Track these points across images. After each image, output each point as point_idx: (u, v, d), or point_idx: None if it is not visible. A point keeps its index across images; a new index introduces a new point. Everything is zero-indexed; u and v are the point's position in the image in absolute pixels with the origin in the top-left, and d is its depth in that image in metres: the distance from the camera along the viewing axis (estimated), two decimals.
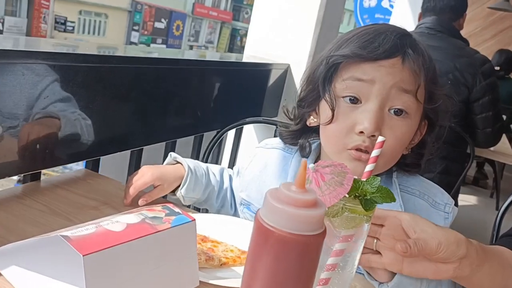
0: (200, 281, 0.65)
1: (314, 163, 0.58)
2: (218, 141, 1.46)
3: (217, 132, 1.61)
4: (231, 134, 1.81)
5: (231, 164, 1.81)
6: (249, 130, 1.87)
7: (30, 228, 0.74)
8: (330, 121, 0.76)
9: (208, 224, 0.82)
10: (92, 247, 0.51)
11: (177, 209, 0.64)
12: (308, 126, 0.85)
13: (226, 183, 1.01)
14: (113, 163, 1.28)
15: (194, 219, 0.63)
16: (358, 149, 0.74)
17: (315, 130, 0.85)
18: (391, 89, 0.74)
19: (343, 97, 0.76)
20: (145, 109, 1.16)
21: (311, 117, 0.83)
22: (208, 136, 1.54)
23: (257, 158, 0.94)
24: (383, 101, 0.74)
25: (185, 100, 1.32)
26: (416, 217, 0.71)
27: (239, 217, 1.03)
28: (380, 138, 0.62)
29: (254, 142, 1.88)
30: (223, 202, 1.01)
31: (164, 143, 1.36)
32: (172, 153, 0.98)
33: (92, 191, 0.92)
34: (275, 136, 1.36)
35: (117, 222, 0.57)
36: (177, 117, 1.33)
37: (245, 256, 0.74)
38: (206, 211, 1.07)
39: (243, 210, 0.94)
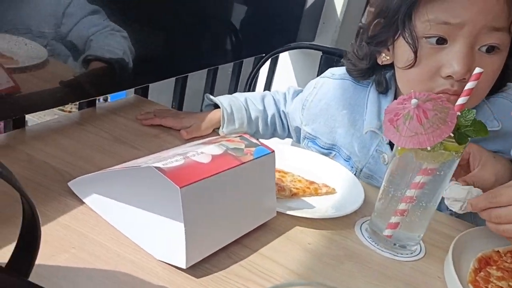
0: (276, 212, 0.65)
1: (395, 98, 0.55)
2: (260, 67, 1.42)
3: (255, 59, 1.57)
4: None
5: None
6: (285, 58, 1.81)
7: (98, 155, 0.73)
8: (412, 65, 0.70)
9: None
10: (187, 178, 0.49)
11: (254, 140, 0.62)
12: (378, 64, 0.79)
13: (272, 109, 0.98)
14: (159, 90, 1.26)
15: (273, 151, 0.61)
16: (445, 93, 0.68)
17: (387, 66, 0.80)
18: (482, 29, 0.66)
19: (426, 37, 0.69)
20: (189, 34, 1.11)
21: (383, 54, 0.77)
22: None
23: (324, 90, 0.90)
24: (473, 40, 0.67)
25: (223, 24, 1.26)
26: (481, 150, 0.69)
27: (292, 139, 1.02)
28: (477, 70, 0.58)
29: (290, 71, 1.83)
30: (273, 128, 0.99)
31: (206, 70, 1.32)
32: (207, 94, 0.95)
33: None
34: (320, 64, 1.31)
35: (202, 154, 0.55)
36: (218, 43, 1.28)
37: (314, 186, 0.74)
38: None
39: (308, 144, 0.91)
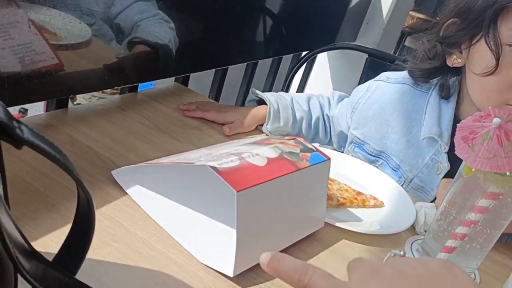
0: (324, 222, 0.61)
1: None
2: (302, 64, 1.38)
3: (293, 57, 1.53)
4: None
5: None
6: (323, 58, 1.76)
7: (140, 144, 0.70)
8: (492, 72, 0.66)
9: None
10: (244, 182, 0.46)
11: (309, 145, 0.59)
12: (447, 65, 0.75)
13: (317, 112, 0.94)
14: (197, 80, 1.23)
15: (329, 158, 0.58)
16: None
17: (454, 69, 0.75)
18: None
19: (509, 45, 0.65)
20: (229, 26, 1.07)
21: (454, 56, 0.73)
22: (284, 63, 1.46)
23: (378, 93, 0.85)
24: None
25: (266, 18, 1.22)
26: None
27: (332, 145, 0.98)
28: None
29: (326, 73, 1.78)
30: (316, 132, 0.95)
31: (245, 64, 1.29)
32: (252, 89, 0.91)
33: None
34: (365, 66, 1.26)
35: (258, 156, 0.52)
36: (259, 37, 1.24)
37: (361, 198, 0.70)
38: None
39: (354, 149, 0.87)
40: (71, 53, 0.75)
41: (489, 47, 0.66)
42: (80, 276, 0.44)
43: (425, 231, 0.67)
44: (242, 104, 1.36)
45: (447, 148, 0.76)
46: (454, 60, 0.73)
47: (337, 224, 0.61)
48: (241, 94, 1.35)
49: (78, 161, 0.61)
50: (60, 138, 0.66)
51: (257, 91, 0.90)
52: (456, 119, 0.76)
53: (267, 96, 0.87)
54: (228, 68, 1.17)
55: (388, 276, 0.33)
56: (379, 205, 0.71)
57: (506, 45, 0.65)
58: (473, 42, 0.69)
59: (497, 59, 0.65)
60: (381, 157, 0.84)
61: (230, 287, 0.48)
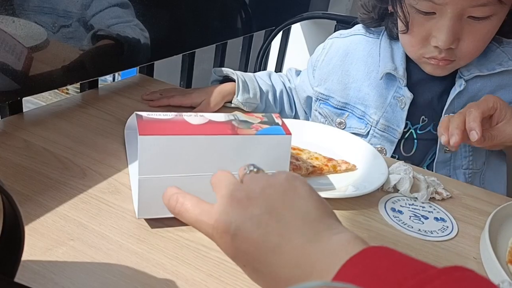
0: None
1: None
2: (271, 40, 1.35)
3: (265, 32, 1.50)
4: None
5: (278, 69, 1.70)
6: (297, 30, 1.73)
7: (100, 139, 0.69)
8: (405, 32, 0.74)
9: None
10: (154, 130, 0.48)
11: (279, 120, 0.56)
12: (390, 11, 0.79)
13: (280, 85, 0.95)
14: (165, 68, 1.20)
15: (290, 134, 0.55)
16: (434, 59, 0.74)
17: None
18: (466, 7, 0.68)
19: (416, 8, 0.70)
20: (194, 9, 1.04)
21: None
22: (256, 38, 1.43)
23: (334, 48, 0.88)
24: (460, 13, 0.69)
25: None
26: (507, 106, 0.67)
27: (299, 118, 0.97)
28: None
29: (302, 44, 1.75)
30: (282, 104, 0.95)
31: (214, 46, 1.26)
32: (214, 68, 0.91)
33: None
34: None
35: (201, 117, 0.52)
36: (225, 16, 1.21)
37: (332, 163, 0.69)
38: None
39: (320, 106, 0.89)
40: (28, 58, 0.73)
41: (396, 14, 0.73)
42: (31, 279, 0.43)
43: (398, 190, 0.66)
44: None
45: (405, 81, 0.80)
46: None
47: None
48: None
49: (32, 164, 0.60)
50: (14, 144, 0.64)
51: (222, 68, 0.88)
52: (408, 55, 0.81)
53: (231, 71, 0.87)
54: (195, 52, 1.15)
55: (241, 201, 0.35)
56: (351, 168, 0.69)
57: (412, 7, 0.71)
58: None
59: (406, 23, 0.73)
60: (346, 109, 0.87)
61: (195, 270, 0.47)
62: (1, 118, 0.72)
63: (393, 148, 0.83)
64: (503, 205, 0.60)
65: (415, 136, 0.82)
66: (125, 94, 0.86)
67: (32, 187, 0.55)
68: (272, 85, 0.93)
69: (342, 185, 0.65)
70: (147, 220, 0.52)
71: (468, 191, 0.69)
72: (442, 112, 0.79)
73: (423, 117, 0.82)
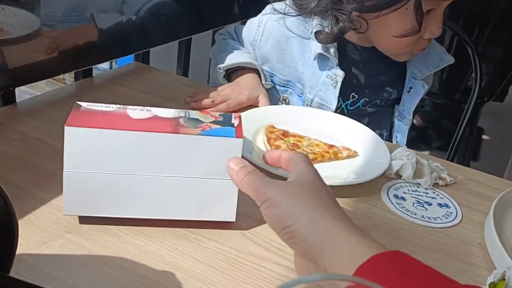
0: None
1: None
2: None
3: None
4: None
5: None
6: None
7: None
8: (417, 32, 0.75)
9: (281, 116, 0.74)
10: (85, 122, 0.45)
11: (236, 121, 0.50)
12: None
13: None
14: (161, 55, 1.19)
15: (242, 137, 0.47)
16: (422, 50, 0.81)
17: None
18: None
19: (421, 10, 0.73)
20: None
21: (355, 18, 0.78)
22: None
23: (269, 26, 0.87)
24: None
25: None
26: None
27: None
28: None
29: None
30: None
31: (211, 31, 1.24)
32: (220, 66, 0.86)
33: (149, 86, 0.84)
34: None
35: (147, 111, 0.49)
36: (221, 3, 1.19)
37: (333, 150, 0.68)
38: None
39: (271, 81, 0.90)
40: (20, 47, 0.72)
41: (416, 16, 0.73)
42: (28, 273, 0.42)
43: (401, 176, 0.64)
44: None
45: (337, 61, 0.83)
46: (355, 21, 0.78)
47: None
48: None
49: (27, 155, 0.58)
50: (9, 135, 0.63)
51: (226, 64, 0.85)
52: None
53: (246, 61, 0.86)
54: (191, 39, 1.13)
55: None
56: (352, 155, 0.68)
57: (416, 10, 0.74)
58: (395, 8, 0.73)
59: (420, 24, 0.74)
60: (289, 86, 0.89)
61: (194, 261, 0.46)
62: None
63: None
64: (507, 190, 0.59)
65: (345, 111, 0.88)
66: (121, 82, 0.84)
67: (27, 178, 0.54)
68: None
69: (343, 172, 0.64)
70: None
71: (472, 176, 0.68)
72: (373, 90, 0.88)
73: (353, 93, 0.87)
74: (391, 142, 0.90)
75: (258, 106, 0.80)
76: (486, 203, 0.60)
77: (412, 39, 0.77)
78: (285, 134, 0.69)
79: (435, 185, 0.64)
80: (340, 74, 0.82)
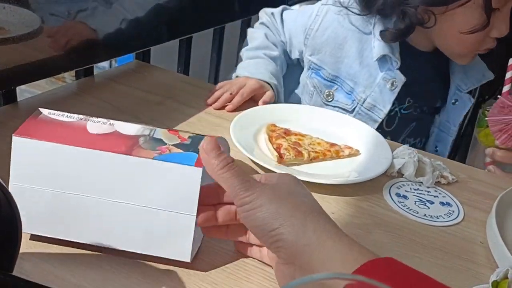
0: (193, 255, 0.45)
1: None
2: None
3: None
4: None
5: None
6: None
7: None
8: (479, 30, 0.73)
9: (282, 114, 0.74)
10: (35, 133, 0.42)
11: (202, 145, 0.42)
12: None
13: (280, 45, 0.93)
14: (162, 53, 1.18)
15: (202, 167, 0.41)
16: (488, 49, 0.79)
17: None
18: None
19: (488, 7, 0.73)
20: None
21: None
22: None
23: (329, 18, 0.86)
24: None
25: None
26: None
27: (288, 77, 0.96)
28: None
29: None
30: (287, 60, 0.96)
31: (212, 30, 1.24)
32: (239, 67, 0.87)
33: (150, 84, 0.84)
34: None
35: (110, 125, 0.45)
36: (222, 1, 1.18)
37: (335, 149, 0.67)
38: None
39: (311, 75, 0.88)
40: (22, 45, 0.71)
41: (485, 10, 0.72)
42: (31, 272, 0.41)
43: (403, 175, 0.64)
44: (216, 73, 1.32)
45: (399, 64, 0.82)
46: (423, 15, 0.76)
47: (307, 179, 0.58)
48: (213, 64, 1.31)
49: None
50: (9, 134, 0.62)
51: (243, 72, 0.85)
52: (403, 40, 0.83)
53: (263, 79, 0.83)
54: (192, 37, 1.13)
55: None
56: (354, 153, 0.68)
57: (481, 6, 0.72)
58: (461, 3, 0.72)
59: (489, 17, 0.72)
60: (336, 82, 0.87)
61: (195, 262, 0.46)
62: None
63: (376, 126, 0.84)
64: (509, 189, 0.59)
65: (398, 114, 0.87)
66: (121, 81, 0.84)
67: None
68: (279, 54, 0.91)
69: (345, 171, 0.64)
70: None
71: (474, 175, 0.68)
72: (428, 97, 0.88)
73: (408, 98, 0.86)
74: (424, 150, 0.88)
75: (258, 104, 0.80)
76: (488, 202, 0.60)
77: (479, 37, 0.75)
78: (287, 132, 0.69)
79: (437, 183, 0.64)
80: (401, 78, 0.81)
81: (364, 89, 0.84)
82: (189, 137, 0.45)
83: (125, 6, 0.85)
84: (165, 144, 0.43)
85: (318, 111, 0.79)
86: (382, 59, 0.82)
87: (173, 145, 0.43)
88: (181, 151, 0.43)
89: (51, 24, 0.73)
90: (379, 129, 0.86)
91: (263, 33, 0.93)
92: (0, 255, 0.34)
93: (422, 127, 0.91)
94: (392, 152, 0.67)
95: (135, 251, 0.44)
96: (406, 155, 0.65)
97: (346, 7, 0.84)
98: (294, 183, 0.42)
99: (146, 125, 0.46)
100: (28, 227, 0.41)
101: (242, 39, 1.41)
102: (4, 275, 0.33)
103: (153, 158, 0.41)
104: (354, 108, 0.85)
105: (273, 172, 0.58)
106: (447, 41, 0.80)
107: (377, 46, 0.81)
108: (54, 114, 0.45)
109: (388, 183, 0.63)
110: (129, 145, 0.42)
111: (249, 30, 1.00)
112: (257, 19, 1.42)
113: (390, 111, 0.84)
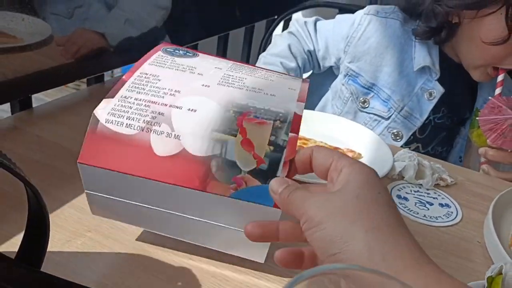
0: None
1: None
2: (272, 31, 1.36)
3: (267, 22, 1.50)
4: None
5: None
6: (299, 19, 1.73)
7: None
8: (502, 43, 0.74)
9: None
10: (98, 157, 0.40)
11: (284, 170, 0.39)
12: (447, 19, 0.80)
13: (302, 56, 0.97)
14: None
15: (280, 209, 0.39)
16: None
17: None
18: None
19: None
20: (195, 0, 1.05)
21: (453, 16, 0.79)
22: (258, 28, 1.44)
23: (372, 27, 0.88)
24: None
25: None
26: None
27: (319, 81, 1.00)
28: None
29: None
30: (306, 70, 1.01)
31: (217, 37, 1.27)
32: None
33: None
34: None
35: (175, 139, 0.40)
36: (225, 9, 1.21)
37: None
38: None
39: (348, 82, 0.91)
40: (35, 54, 0.74)
41: (507, 22, 0.72)
42: (53, 269, 0.44)
43: (403, 177, 0.67)
44: None
45: (438, 75, 0.85)
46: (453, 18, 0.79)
47: (305, 180, 0.61)
48: None
49: (46, 158, 0.61)
50: (27, 139, 0.65)
51: None
52: (441, 52, 0.87)
53: None
54: (197, 45, 1.15)
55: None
56: (356, 157, 0.70)
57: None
58: (491, 12, 0.74)
59: (510, 30, 0.72)
60: (373, 89, 0.90)
61: (208, 259, 0.48)
62: (12, 114, 0.73)
63: (410, 133, 0.88)
64: (505, 191, 0.62)
65: (432, 123, 0.90)
66: None
67: (47, 181, 0.57)
68: (297, 64, 0.95)
69: None
70: None
71: (472, 177, 0.70)
72: (460, 108, 0.90)
73: (443, 108, 0.90)
74: (445, 161, 0.88)
75: None
76: (485, 203, 0.63)
77: (500, 51, 0.76)
78: None
79: (437, 185, 0.67)
80: (440, 90, 0.85)
81: (401, 98, 0.88)
82: (265, 156, 0.40)
83: (135, 15, 0.88)
84: (240, 172, 0.39)
85: (322, 115, 0.81)
86: (422, 70, 0.86)
87: (249, 172, 0.39)
88: (258, 183, 0.39)
89: (62, 32, 0.76)
90: (412, 135, 0.89)
91: (287, 43, 0.97)
92: (30, 252, 0.37)
93: (450, 137, 0.94)
94: (393, 156, 0.69)
95: (211, 248, 0.46)
96: (406, 158, 0.68)
97: (389, 18, 0.87)
98: (362, 183, 0.33)
99: (214, 131, 0.40)
100: (107, 215, 0.46)
101: (246, 45, 1.44)
102: (34, 271, 0.36)
103: (229, 196, 0.39)
104: (390, 116, 0.88)
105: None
106: (469, 48, 0.81)
107: (417, 57, 0.85)
108: (112, 123, 0.41)
109: (389, 185, 0.65)
110: (202, 176, 0.39)
111: (275, 36, 1.03)
112: (261, 26, 1.45)
113: (425, 119, 0.88)
